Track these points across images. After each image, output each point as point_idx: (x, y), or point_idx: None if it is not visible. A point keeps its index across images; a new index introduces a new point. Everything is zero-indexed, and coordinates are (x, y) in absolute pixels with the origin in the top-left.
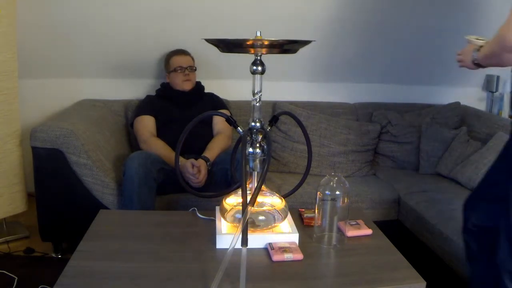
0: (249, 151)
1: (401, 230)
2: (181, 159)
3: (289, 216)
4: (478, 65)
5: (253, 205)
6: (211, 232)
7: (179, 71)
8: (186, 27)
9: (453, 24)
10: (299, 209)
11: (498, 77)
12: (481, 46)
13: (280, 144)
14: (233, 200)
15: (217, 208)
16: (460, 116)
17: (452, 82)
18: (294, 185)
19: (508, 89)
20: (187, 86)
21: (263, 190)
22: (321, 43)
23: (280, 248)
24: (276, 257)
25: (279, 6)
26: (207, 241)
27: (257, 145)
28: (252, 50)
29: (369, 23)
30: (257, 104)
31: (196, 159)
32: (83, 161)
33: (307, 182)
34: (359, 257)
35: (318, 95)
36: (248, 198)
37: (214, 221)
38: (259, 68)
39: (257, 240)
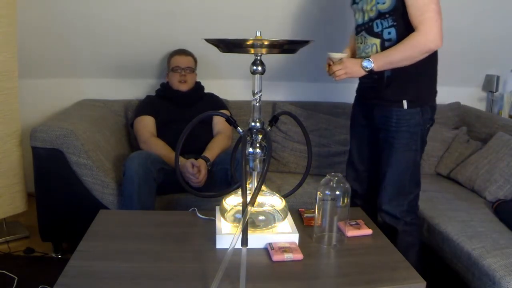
0: (249, 151)
1: None
2: (181, 159)
3: (289, 216)
4: (370, 71)
5: (253, 205)
6: (211, 232)
7: (176, 71)
8: (186, 27)
9: (453, 24)
10: (299, 209)
11: (498, 77)
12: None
13: (280, 144)
14: (233, 200)
15: (217, 208)
16: (460, 116)
17: (452, 82)
18: (294, 185)
19: (508, 89)
20: (183, 87)
21: (263, 190)
22: (321, 43)
23: (280, 248)
24: (276, 257)
25: (279, 6)
26: (207, 241)
27: (257, 145)
28: (252, 50)
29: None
30: (257, 104)
31: (196, 159)
32: (83, 161)
33: (307, 182)
34: (359, 257)
35: (318, 95)
36: (248, 198)
37: (214, 221)
38: (259, 68)
39: (257, 240)
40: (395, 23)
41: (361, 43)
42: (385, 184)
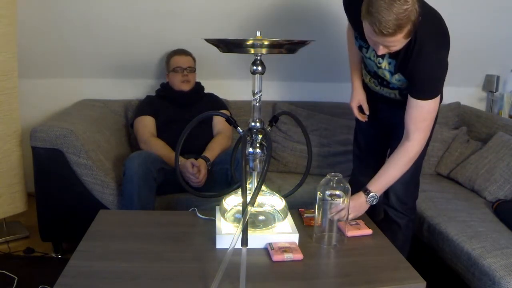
0: (249, 151)
1: None
2: (181, 159)
3: (289, 216)
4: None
5: (253, 205)
6: (211, 232)
7: (178, 71)
8: (186, 27)
9: (453, 25)
10: (299, 209)
11: (498, 77)
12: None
13: (280, 144)
14: (233, 200)
15: (217, 208)
16: (460, 116)
17: (452, 82)
18: (294, 185)
19: (508, 89)
20: (185, 87)
21: (263, 190)
22: (321, 43)
23: (280, 248)
24: (276, 257)
25: (279, 6)
26: (207, 241)
27: (257, 145)
28: (252, 50)
29: None
30: (257, 104)
31: (196, 159)
32: (83, 161)
33: (307, 182)
34: (359, 257)
35: (318, 95)
36: (248, 198)
37: (214, 221)
38: (259, 68)
39: (257, 240)
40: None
41: (376, 86)
42: (395, 182)
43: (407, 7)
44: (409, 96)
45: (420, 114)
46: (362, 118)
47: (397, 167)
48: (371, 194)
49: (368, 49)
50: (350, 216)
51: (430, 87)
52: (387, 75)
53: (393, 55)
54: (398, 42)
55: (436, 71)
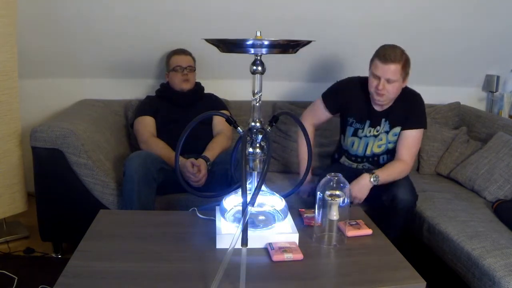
0: (249, 151)
1: None
2: (181, 159)
3: (289, 216)
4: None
5: (253, 205)
6: (211, 232)
7: (178, 70)
8: (186, 27)
9: (454, 25)
10: (299, 209)
11: (498, 77)
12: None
13: (280, 144)
14: (233, 200)
15: (217, 208)
16: (460, 116)
17: (452, 82)
18: (294, 185)
19: (508, 89)
20: (186, 86)
21: (263, 190)
22: (321, 43)
23: (280, 248)
24: (276, 257)
25: (279, 6)
26: (207, 241)
27: (257, 145)
28: (252, 50)
29: (368, 23)
30: (257, 104)
31: (196, 159)
32: (83, 161)
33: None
34: (359, 257)
35: (318, 95)
36: (248, 198)
37: (214, 221)
38: (259, 68)
39: (257, 240)
40: (392, 156)
41: (361, 168)
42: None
43: (402, 53)
44: (401, 132)
45: (412, 141)
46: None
47: (393, 173)
48: (374, 174)
49: (364, 127)
50: (355, 201)
51: (423, 117)
52: (383, 138)
53: (386, 118)
54: (396, 74)
55: (423, 107)
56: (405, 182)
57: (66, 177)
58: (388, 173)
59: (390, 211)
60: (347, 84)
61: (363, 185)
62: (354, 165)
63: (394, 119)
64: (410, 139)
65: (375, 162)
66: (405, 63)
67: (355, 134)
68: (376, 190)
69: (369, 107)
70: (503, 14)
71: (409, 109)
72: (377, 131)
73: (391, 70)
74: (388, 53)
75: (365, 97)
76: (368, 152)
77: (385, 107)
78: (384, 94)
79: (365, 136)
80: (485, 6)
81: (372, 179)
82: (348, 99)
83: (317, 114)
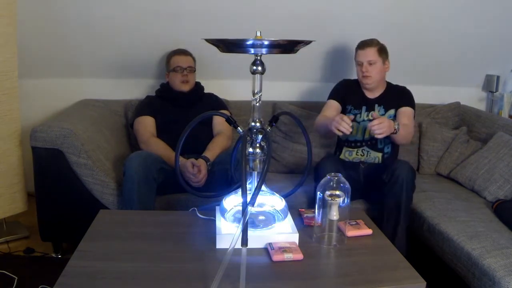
0: (249, 151)
1: None
2: (181, 159)
3: (289, 216)
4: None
5: (253, 205)
6: (211, 232)
7: (178, 71)
8: (186, 27)
9: (454, 25)
10: (299, 209)
11: (498, 77)
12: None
13: (280, 144)
14: (233, 200)
15: (217, 208)
16: (460, 116)
17: (452, 82)
18: (294, 185)
19: (508, 89)
20: (185, 87)
21: (263, 190)
22: (321, 43)
23: (280, 248)
24: (276, 257)
25: (279, 6)
26: (207, 241)
27: (257, 145)
28: (252, 50)
29: (368, 23)
30: (257, 104)
31: (196, 159)
32: (83, 161)
33: (307, 182)
34: (359, 257)
35: (318, 95)
36: (248, 198)
37: (214, 221)
38: (259, 68)
39: (257, 240)
40: (390, 142)
41: (362, 156)
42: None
43: (378, 41)
44: (398, 110)
45: (409, 114)
46: (347, 129)
47: (406, 130)
48: (396, 122)
49: (361, 113)
50: (379, 132)
51: (412, 100)
52: None
53: (380, 103)
54: (375, 55)
55: (411, 93)
56: (403, 162)
57: (66, 177)
58: (403, 129)
59: (390, 186)
60: (344, 82)
61: (385, 121)
62: (354, 150)
63: (387, 104)
64: (407, 112)
65: (373, 146)
66: (381, 48)
67: (353, 120)
68: (377, 169)
69: (363, 95)
70: (503, 14)
71: (400, 95)
72: (372, 115)
73: (370, 53)
74: (364, 41)
75: (359, 90)
76: (366, 136)
77: (376, 94)
78: (369, 75)
79: (363, 120)
80: (486, 6)
81: (396, 126)
82: (346, 91)
83: (328, 106)
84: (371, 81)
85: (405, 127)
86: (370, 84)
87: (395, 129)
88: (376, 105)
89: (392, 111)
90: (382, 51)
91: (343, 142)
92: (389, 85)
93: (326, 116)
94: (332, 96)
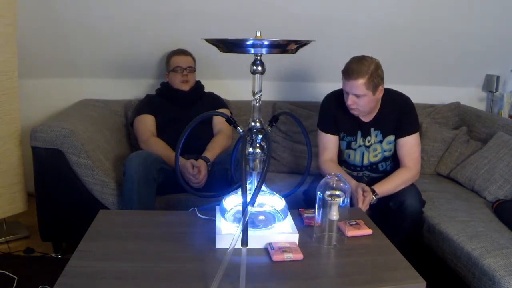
0: (249, 151)
1: None
2: (181, 159)
3: (289, 216)
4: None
5: (253, 205)
6: (211, 232)
7: (178, 71)
8: (186, 27)
9: (454, 25)
10: (299, 209)
11: (498, 77)
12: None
13: (280, 144)
14: (233, 200)
15: (217, 208)
16: (460, 116)
17: (452, 82)
18: (294, 185)
19: (508, 89)
20: (185, 87)
21: (263, 190)
22: (321, 43)
23: (280, 248)
24: (276, 257)
25: (279, 6)
26: (207, 241)
27: (257, 145)
28: (252, 50)
29: (367, 23)
30: (257, 104)
31: (196, 159)
32: (83, 161)
33: (307, 182)
34: (359, 257)
35: (318, 95)
36: (248, 198)
37: (214, 221)
38: (259, 68)
39: (257, 240)
40: (391, 160)
41: (361, 177)
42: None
43: (369, 65)
44: (397, 141)
45: (411, 147)
46: (364, 205)
47: (397, 182)
48: (375, 193)
49: (356, 139)
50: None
51: (415, 122)
52: (378, 148)
53: (377, 127)
54: (362, 88)
55: (414, 110)
56: (412, 189)
57: (66, 177)
58: (389, 187)
59: (397, 216)
60: (326, 104)
61: (366, 200)
62: (354, 173)
63: (385, 128)
64: (409, 145)
65: (374, 170)
66: (372, 75)
67: (349, 147)
68: (383, 198)
69: (356, 119)
70: (503, 14)
71: (399, 116)
72: (368, 141)
73: (356, 86)
74: (351, 69)
75: (348, 110)
76: (365, 162)
77: (371, 116)
78: (355, 108)
79: (359, 146)
80: (485, 6)
81: (373, 201)
82: (335, 114)
83: (328, 145)
84: (358, 112)
85: (398, 177)
86: (359, 114)
87: (372, 199)
88: (372, 129)
89: (391, 138)
90: (372, 81)
91: (342, 161)
92: (385, 98)
93: (333, 164)
94: (324, 128)
